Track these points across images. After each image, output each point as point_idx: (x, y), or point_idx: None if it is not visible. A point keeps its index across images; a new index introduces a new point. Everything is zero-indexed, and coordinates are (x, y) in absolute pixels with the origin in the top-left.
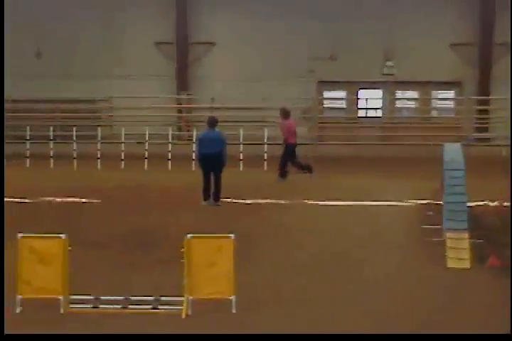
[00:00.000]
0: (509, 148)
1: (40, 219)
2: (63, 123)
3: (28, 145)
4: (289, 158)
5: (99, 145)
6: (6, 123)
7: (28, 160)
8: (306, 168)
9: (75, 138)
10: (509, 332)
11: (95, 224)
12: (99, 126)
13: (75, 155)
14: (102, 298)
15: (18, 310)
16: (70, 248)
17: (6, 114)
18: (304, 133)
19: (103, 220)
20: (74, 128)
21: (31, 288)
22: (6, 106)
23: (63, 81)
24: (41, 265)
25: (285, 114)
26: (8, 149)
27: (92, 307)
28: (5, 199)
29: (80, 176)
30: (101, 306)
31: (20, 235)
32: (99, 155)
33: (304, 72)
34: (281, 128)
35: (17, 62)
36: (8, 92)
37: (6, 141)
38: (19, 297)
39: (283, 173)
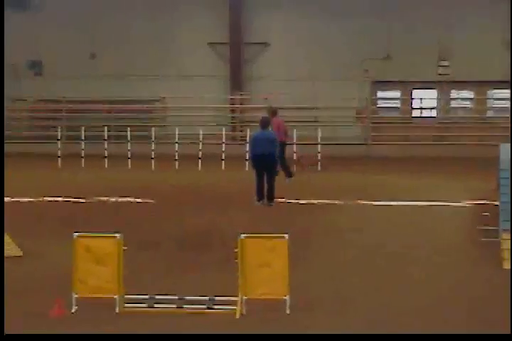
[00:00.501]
0: None
1: (95, 219)
2: (117, 123)
3: (83, 146)
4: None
5: (153, 146)
6: (61, 123)
7: (83, 160)
8: (288, 171)
9: (129, 138)
10: (509, 332)
11: (150, 224)
12: (153, 126)
13: (129, 155)
14: (156, 297)
15: (73, 309)
16: (125, 247)
17: (61, 114)
18: (358, 134)
19: (157, 220)
20: (128, 129)
21: (87, 287)
22: (61, 106)
23: (117, 81)
24: (96, 264)
25: (273, 112)
26: (64, 149)
27: (146, 307)
28: (61, 199)
29: (133, 176)
30: (156, 306)
31: (75, 234)
32: (153, 156)
33: (358, 72)
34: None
35: (72, 63)
36: (63, 93)
37: (62, 140)
38: (75, 296)
39: (288, 173)
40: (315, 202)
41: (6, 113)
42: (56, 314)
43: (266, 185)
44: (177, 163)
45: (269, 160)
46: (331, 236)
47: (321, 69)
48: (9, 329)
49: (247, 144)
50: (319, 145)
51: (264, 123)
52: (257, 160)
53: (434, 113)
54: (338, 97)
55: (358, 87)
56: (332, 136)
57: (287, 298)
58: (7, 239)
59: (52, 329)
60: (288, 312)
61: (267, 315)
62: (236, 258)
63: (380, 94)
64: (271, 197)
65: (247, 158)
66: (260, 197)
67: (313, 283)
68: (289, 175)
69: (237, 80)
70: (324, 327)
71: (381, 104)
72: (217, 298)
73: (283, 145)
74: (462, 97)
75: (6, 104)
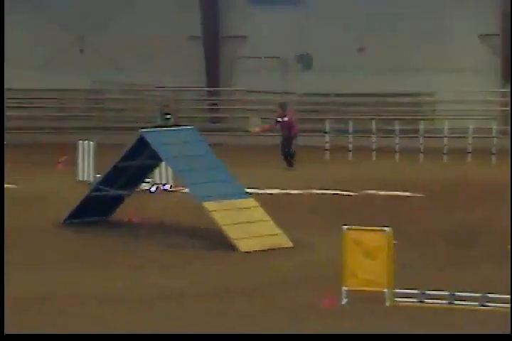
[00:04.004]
0: None
1: (363, 212)
2: (386, 117)
3: (351, 139)
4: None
5: (421, 140)
6: (329, 116)
7: (350, 153)
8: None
9: (397, 132)
10: (509, 332)
11: (419, 218)
12: (421, 120)
13: (397, 149)
14: (427, 292)
15: (343, 302)
16: (394, 241)
17: (329, 107)
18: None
19: (427, 215)
20: (396, 122)
21: (357, 280)
22: (329, 99)
23: (386, 75)
24: (366, 258)
25: (286, 108)
26: (331, 142)
27: (417, 302)
28: (330, 192)
29: (402, 170)
30: (426, 301)
31: (345, 228)
32: (421, 150)
33: None
34: (283, 123)
35: (340, 56)
36: (331, 87)
37: (330, 134)
38: (344, 288)
39: (290, 162)
40: None
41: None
42: (327, 306)
43: None
44: (445, 156)
45: None
46: None
47: None
48: (274, 322)
49: None
50: None
51: None
52: None
53: None
54: None
55: None
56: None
57: None
58: (277, 230)
59: (323, 321)
60: None
61: None
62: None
63: None
64: None
65: None
66: None
67: None
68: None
69: (508, 73)
70: None
71: None
72: (490, 296)
73: (291, 139)
74: None
75: (273, 97)
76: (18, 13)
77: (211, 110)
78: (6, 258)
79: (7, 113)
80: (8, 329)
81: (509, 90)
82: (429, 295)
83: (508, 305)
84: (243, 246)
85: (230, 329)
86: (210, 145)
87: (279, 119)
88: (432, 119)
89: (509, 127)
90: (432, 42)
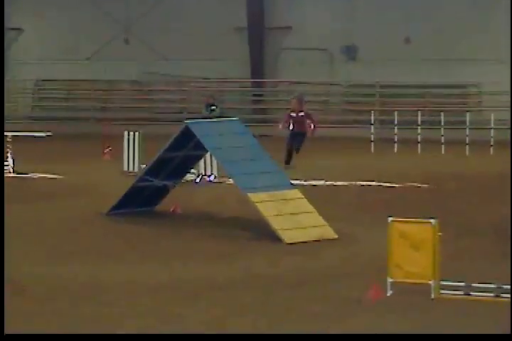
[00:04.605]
0: None
1: (409, 204)
2: (431, 108)
3: (396, 131)
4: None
5: (467, 131)
6: (374, 107)
7: (395, 144)
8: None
9: (442, 123)
10: (509, 332)
11: (464, 210)
12: (467, 111)
13: (442, 140)
14: (473, 285)
15: (388, 294)
16: (440, 233)
17: (375, 98)
18: None
19: (472, 208)
20: (442, 114)
21: (402, 272)
22: (374, 90)
23: (432, 66)
24: (412, 249)
25: (303, 101)
26: (377, 134)
27: (463, 295)
28: (375, 183)
29: (447, 162)
30: (472, 294)
31: (390, 219)
32: (467, 141)
33: None
34: (298, 118)
35: (386, 47)
36: (377, 77)
37: (375, 125)
38: (390, 280)
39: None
40: None
41: (316, 97)
42: (372, 297)
43: None
44: (492, 148)
45: None
46: None
47: None
48: (319, 314)
49: None
50: None
51: None
52: None
53: None
54: None
55: None
56: None
57: None
58: (322, 221)
59: (368, 313)
60: None
61: None
62: None
63: None
64: None
65: None
66: None
67: None
68: (287, 162)
69: None
70: None
71: None
72: None
73: (304, 135)
74: None
75: (318, 88)
76: (64, 5)
77: (255, 101)
78: (55, 248)
79: (54, 103)
80: (68, 319)
81: None
82: (475, 287)
83: None
84: (288, 237)
85: (275, 321)
86: (254, 136)
87: (293, 114)
88: (479, 110)
89: None
90: (478, 32)
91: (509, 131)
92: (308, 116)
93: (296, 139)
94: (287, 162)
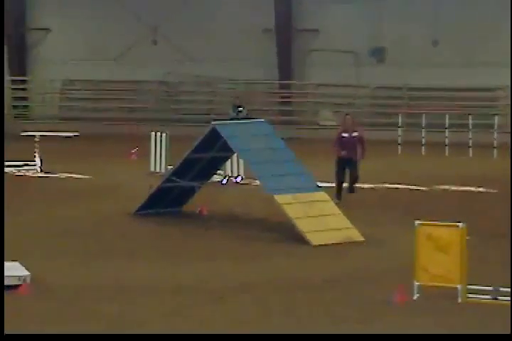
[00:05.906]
0: None
1: (436, 207)
2: (460, 111)
3: (423, 134)
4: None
5: (495, 135)
6: (402, 110)
7: (423, 147)
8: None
9: (470, 126)
10: (509, 332)
11: (493, 214)
12: (496, 114)
13: (470, 143)
14: (501, 289)
15: (415, 297)
16: (468, 237)
17: (402, 101)
18: None
19: (500, 211)
20: (470, 117)
21: (428, 276)
22: (402, 93)
23: (460, 68)
24: (439, 253)
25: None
26: (404, 136)
27: (490, 299)
28: (402, 186)
29: (475, 165)
30: (500, 298)
31: (417, 222)
32: (495, 145)
33: None
34: (349, 140)
35: (414, 50)
36: (405, 80)
37: (403, 128)
38: (416, 283)
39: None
40: None
41: (344, 99)
42: (398, 300)
43: None
44: None
45: None
46: None
47: None
48: (344, 316)
49: None
50: None
51: None
52: None
53: None
54: None
55: None
56: None
57: None
58: (348, 223)
59: (394, 317)
60: None
61: None
62: None
63: None
64: None
65: None
66: None
67: None
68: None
69: None
70: None
71: None
72: None
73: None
74: None
75: (345, 90)
76: (92, 5)
77: (283, 103)
78: (82, 248)
79: (81, 103)
80: (91, 319)
81: None
82: (502, 291)
83: None
84: (314, 239)
85: (300, 323)
86: (282, 138)
87: (345, 135)
88: (506, 114)
89: None
90: (506, 35)
91: None
92: (361, 139)
93: (349, 168)
94: (338, 197)
